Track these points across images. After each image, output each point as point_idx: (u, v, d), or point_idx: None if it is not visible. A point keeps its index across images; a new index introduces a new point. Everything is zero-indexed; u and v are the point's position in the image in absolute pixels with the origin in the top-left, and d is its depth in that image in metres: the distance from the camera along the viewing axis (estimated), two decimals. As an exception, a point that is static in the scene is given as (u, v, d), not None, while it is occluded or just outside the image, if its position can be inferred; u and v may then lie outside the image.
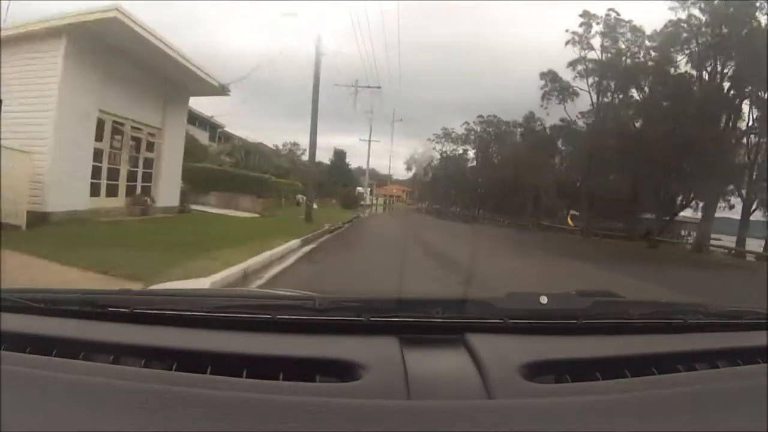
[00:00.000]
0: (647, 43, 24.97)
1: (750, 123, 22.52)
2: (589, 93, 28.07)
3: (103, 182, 10.14)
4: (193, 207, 15.45)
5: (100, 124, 9.76)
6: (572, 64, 27.81)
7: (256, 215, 16.41)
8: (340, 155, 45.27)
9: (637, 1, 30.19)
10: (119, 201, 10.71)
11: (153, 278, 4.21)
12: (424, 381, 0.77)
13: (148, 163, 11.86)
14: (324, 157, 45.41)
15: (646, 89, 24.52)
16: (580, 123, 29.21)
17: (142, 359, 0.82)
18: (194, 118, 27.69)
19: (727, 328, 1.13)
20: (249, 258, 5.93)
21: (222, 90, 12.43)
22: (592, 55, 27.32)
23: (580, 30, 27.01)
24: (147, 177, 11.81)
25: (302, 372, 0.79)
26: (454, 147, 46.47)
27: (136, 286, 3.49)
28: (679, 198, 26.21)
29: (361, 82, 26.35)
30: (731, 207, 24.18)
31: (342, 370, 0.80)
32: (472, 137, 44.26)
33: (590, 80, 27.65)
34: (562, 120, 30.27)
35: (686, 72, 23.42)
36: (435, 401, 0.73)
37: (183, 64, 10.58)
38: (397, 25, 65.70)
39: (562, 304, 1.05)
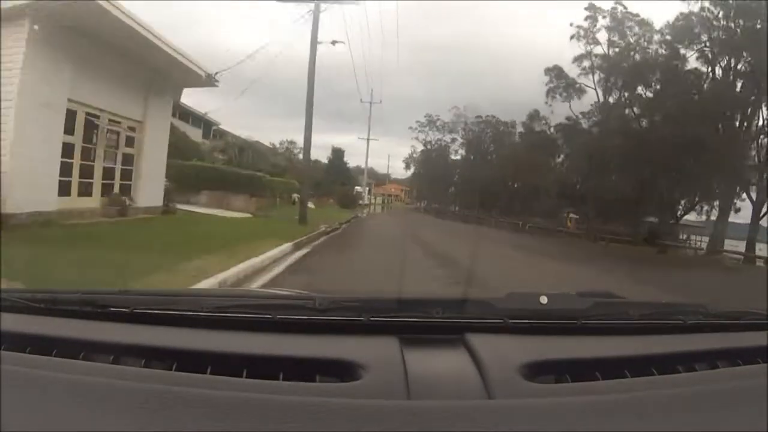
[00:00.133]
0: (656, 37, 24.07)
1: (762, 123, 21.68)
2: (596, 90, 27.20)
3: (75, 180, 9.23)
4: (181, 207, 14.62)
5: (71, 116, 8.85)
6: (578, 60, 26.95)
7: (248, 215, 15.63)
8: (338, 154, 44.55)
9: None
10: (94, 201, 9.81)
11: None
12: (424, 381, 0.77)
13: (128, 160, 10.93)
14: (322, 156, 44.71)
15: (656, 86, 23.58)
16: (586, 121, 28.32)
17: (142, 359, 0.82)
18: (187, 115, 26.98)
19: (726, 328, 1.12)
20: (228, 268, 5.05)
21: (209, 81, 11.53)
22: (599, 50, 26.45)
23: (585, 24, 26.13)
24: (126, 174, 10.89)
25: (302, 372, 0.79)
26: (440, 137, 44.59)
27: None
28: (684, 200, 25.45)
29: (360, 82, 25.62)
30: (737, 210, 23.61)
31: (342, 370, 0.80)
32: (461, 126, 42.44)
33: (596, 77, 26.76)
34: (568, 119, 29.48)
35: (696, 68, 22.56)
36: (435, 401, 0.73)
37: (166, 51, 9.67)
38: (396, 24, 64.80)
39: (562, 304, 1.05)
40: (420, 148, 46.21)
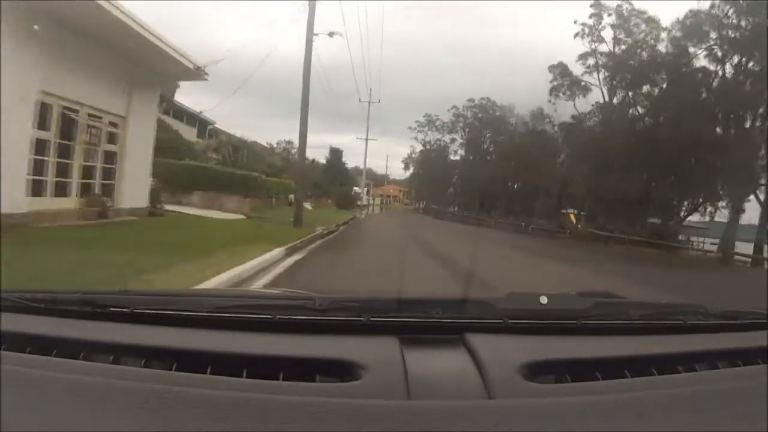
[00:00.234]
0: (663, 35, 23.40)
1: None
2: (600, 88, 26.50)
3: (50, 179, 8.49)
4: (171, 208, 13.96)
5: (46, 110, 8.12)
6: (582, 57, 26.27)
7: (242, 217, 14.97)
8: (336, 154, 44.02)
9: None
10: (71, 202, 9.06)
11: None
12: (424, 381, 0.77)
13: (110, 158, 10.21)
14: (321, 156, 44.15)
15: (663, 84, 22.92)
16: (590, 120, 27.56)
17: (142, 359, 0.82)
18: (182, 113, 26.34)
19: (726, 328, 1.12)
20: (200, 283, 4.29)
21: (198, 73, 10.80)
22: (604, 48, 25.75)
23: (590, 22, 25.44)
24: (108, 173, 10.17)
25: (302, 372, 0.79)
26: (439, 137, 44.14)
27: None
28: (690, 201, 24.81)
29: (359, 81, 25.04)
30: (742, 211, 22.97)
31: (342, 370, 0.80)
32: (461, 124, 42.05)
33: (602, 75, 26.06)
34: (573, 117, 28.92)
35: (704, 67, 21.88)
36: (435, 401, 0.73)
37: (150, 41, 8.92)
38: (397, 22, 64.27)
39: (562, 304, 1.06)
40: (419, 148, 45.79)
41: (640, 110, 24.12)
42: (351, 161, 48.54)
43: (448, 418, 0.66)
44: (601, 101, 26.93)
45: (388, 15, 63.00)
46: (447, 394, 0.75)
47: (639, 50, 24.13)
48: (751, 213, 22.70)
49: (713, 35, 21.14)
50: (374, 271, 6.49)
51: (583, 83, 27.20)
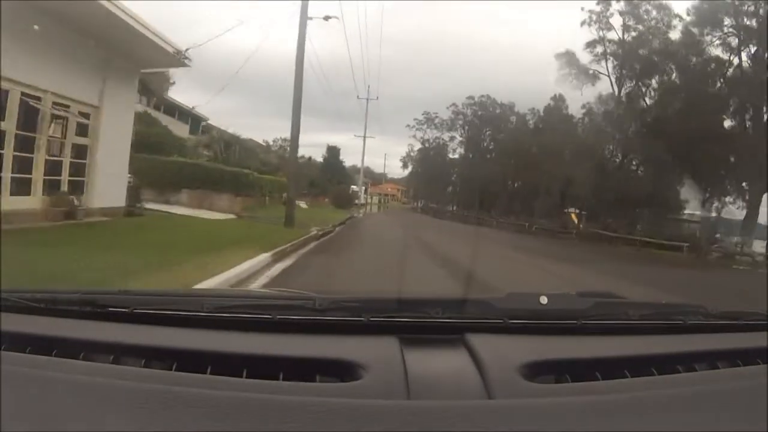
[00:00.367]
0: (675, 22, 22.37)
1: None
2: (609, 77, 25.46)
3: (6, 175, 7.48)
4: (156, 207, 12.98)
5: (1, 96, 7.17)
6: (590, 45, 25.24)
7: (232, 216, 13.94)
8: (333, 152, 43.17)
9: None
10: (35, 201, 8.06)
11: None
12: (424, 381, 0.77)
13: (81, 152, 9.21)
14: (318, 154, 43.37)
15: (673, 75, 21.95)
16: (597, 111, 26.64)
17: (142, 359, 0.82)
18: (174, 109, 25.39)
19: (726, 329, 1.12)
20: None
21: (178, 59, 9.76)
22: (613, 36, 24.67)
23: (598, 9, 24.37)
24: (78, 169, 9.16)
25: (302, 372, 0.79)
26: (438, 134, 43.39)
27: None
28: (704, 195, 23.80)
29: (358, 80, 24.24)
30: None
31: (342, 370, 0.80)
32: (460, 122, 41.32)
33: (611, 64, 24.98)
34: (583, 106, 28.20)
35: (717, 56, 20.93)
36: (435, 401, 0.73)
37: (123, 20, 7.92)
38: (397, 22, 63.39)
39: (562, 304, 1.06)
40: (418, 146, 44.85)
41: (647, 101, 23.16)
42: (349, 160, 47.73)
43: (448, 418, 0.65)
44: (600, 96, 26.15)
45: (387, 15, 61.73)
46: (447, 394, 0.75)
47: (651, 37, 23.07)
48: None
49: (728, 21, 20.19)
50: (375, 285, 5.54)
51: (591, 71, 26.15)
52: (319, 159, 43.08)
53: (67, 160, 8.88)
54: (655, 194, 22.49)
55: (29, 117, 7.90)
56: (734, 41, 20.18)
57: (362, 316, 0.92)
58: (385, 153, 79.42)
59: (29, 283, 3.38)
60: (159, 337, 0.86)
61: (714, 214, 23.57)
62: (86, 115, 9.13)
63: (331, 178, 39.71)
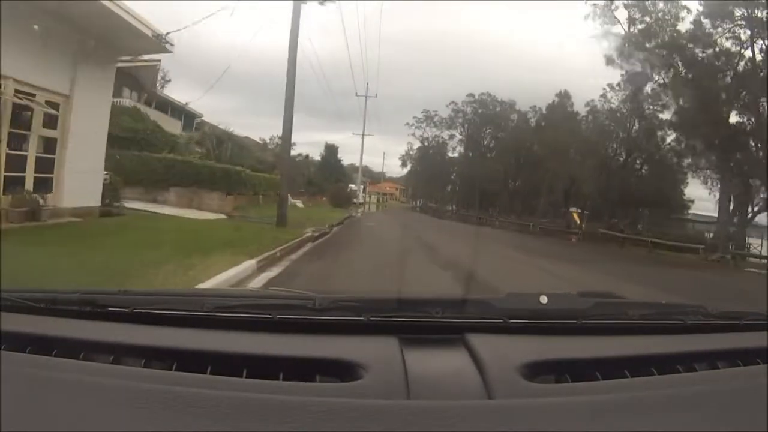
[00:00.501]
0: (683, 14, 21.48)
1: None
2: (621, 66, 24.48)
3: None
4: (141, 207, 12.07)
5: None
6: (594, 39, 24.40)
7: (222, 216, 13.01)
8: (331, 150, 42.40)
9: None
10: (-7, 200, 7.11)
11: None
12: (424, 381, 0.77)
13: (49, 146, 8.31)
14: (316, 153, 42.66)
15: (681, 69, 21.08)
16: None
17: (142, 359, 0.81)
18: (166, 105, 24.51)
19: (726, 329, 1.11)
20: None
21: (158, 44, 8.83)
22: (618, 30, 23.78)
23: (602, 1, 23.45)
24: (45, 165, 8.22)
25: (302, 372, 0.78)
26: (437, 133, 42.68)
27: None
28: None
29: (357, 79, 23.59)
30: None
31: (342, 370, 0.79)
32: (460, 120, 40.63)
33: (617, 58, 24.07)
34: (587, 103, 27.66)
35: (727, 49, 20.05)
36: (435, 401, 0.72)
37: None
38: (396, 21, 62.58)
39: (562, 304, 1.05)
40: (417, 145, 44.06)
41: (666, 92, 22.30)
42: (347, 158, 47.00)
43: (448, 418, 0.65)
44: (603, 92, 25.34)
45: (387, 14, 60.79)
46: (447, 394, 0.75)
47: (659, 29, 22.19)
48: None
49: (739, 13, 19.32)
50: (374, 288, 4.87)
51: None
52: (317, 157, 42.30)
53: (32, 155, 7.98)
54: (660, 193, 21.68)
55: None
56: (743, 34, 19.41)
57: (362, 316, 0.92)
58: (383, 152, 78.63)
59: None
60: (159, 337, 0.87)
61: (723, 215, 22.70)
62: (55, 105, 8.22)
63: (329, 176, 38.93)
